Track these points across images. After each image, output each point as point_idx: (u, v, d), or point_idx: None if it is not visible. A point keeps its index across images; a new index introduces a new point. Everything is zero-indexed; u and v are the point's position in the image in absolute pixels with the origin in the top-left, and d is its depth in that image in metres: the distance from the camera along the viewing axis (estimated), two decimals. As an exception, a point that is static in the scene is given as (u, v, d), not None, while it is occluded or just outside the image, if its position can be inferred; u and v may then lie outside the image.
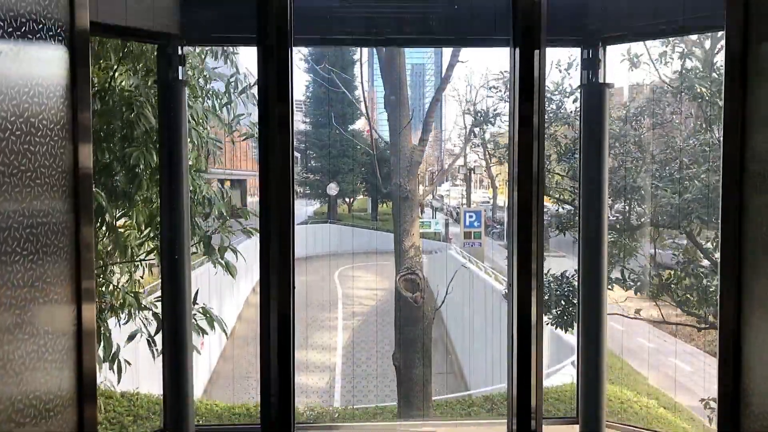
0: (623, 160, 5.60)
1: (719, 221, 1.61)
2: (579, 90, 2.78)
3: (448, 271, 21.05)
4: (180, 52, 2.66)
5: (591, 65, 2.70)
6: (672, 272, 6.09)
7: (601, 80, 2.71)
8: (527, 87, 2.25)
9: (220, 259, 3.84)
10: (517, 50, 2.29)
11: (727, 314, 1.56)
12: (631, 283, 6.17)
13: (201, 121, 3.70)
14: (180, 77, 2.65)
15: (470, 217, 23.26)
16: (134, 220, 3.63)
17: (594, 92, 2.71)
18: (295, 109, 2.31)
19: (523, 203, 2.21)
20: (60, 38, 1.38)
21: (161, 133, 2.76)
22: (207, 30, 2.70)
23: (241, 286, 19.99)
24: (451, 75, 7.65)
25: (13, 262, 1.21)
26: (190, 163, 3.88)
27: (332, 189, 31.16)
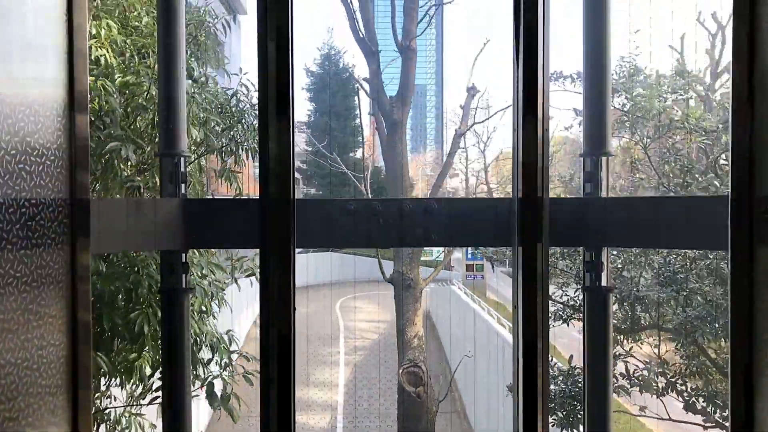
0: (626, 262, 5.59)
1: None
2: (582, 292, 2.78)
3: (451, 306, 20.88)
4: (183, 260, 2.67)
5: (594, 269, 2.70)
6: (677, 370, 6.04)
7: (604, 283, 2.71)
8: (530, 280, 2.23)
9: (222, 407, 3.84)
10: (520, 249, 2.29)
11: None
12: (636, 381, 6.12)
13: (206, 274, 3.71)
14: (183, 285, 2.65)
15: (472, 250, 23.18)
16: (137, 374, 3.62)
17: (597, 296, 2.71)
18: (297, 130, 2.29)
19: (528, 225, 2.16)
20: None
21: (163, 337, 2.76)
22: (210, 239, 2.71)
23: (242, 319, 19.92)
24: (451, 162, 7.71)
25: (7, 284, 1.19)
26: (193, 308, 3.88)
27: (334, 217, 30.93)
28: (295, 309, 2.38)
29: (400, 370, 6.16)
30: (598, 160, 2.70)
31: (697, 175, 5.20)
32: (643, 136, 5.33)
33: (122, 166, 3.33)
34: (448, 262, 29.96)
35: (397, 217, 2.63)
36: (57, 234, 1.36)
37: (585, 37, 2.76)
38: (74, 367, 1.43)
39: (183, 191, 2.66)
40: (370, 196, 8.50)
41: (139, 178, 3.41)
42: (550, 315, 6.86)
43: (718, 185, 5.26)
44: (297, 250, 2.31)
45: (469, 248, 23.66)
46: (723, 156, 5.20)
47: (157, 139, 3.69)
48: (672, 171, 5.20)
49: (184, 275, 2.66)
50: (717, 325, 4.96)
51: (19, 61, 1.25)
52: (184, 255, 2.66)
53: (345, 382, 20.28)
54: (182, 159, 2.66)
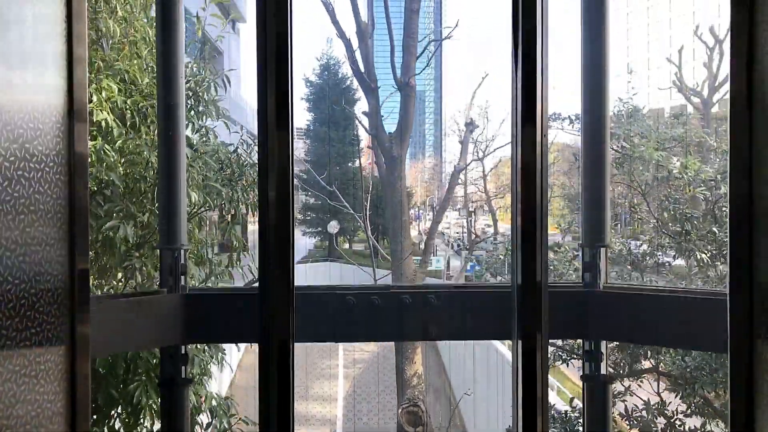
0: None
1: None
2: (582, 381, 2.79)
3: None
4: (183, 351, 2.67)
5: (593, 359, 2.71)
6: (675, 409, 6.03)
7: (603, 372, 2.71)
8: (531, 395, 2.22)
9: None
10: (519, 342, 2.27)
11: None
12: (635, 422, 6.11)
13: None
14: (183, 376, 2.66)
15: (470, 263, 23.05)
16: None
17: (597, 385, 2.71)
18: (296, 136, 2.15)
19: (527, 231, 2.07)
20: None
21: (162, 426, 2.76)
22: (210, 333, 2.72)
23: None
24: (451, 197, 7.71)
25: (5, 291, 1.19)
26: (193, 372, 3.88)
27: (333, 227, 31.06)
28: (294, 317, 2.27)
29: (400, 410, 6.14)
30: (596, 252, 2.71)
31: (696, 222, 5.21)
32: (642, 182, 5.34)
33: (121, 238, 3.33)
34: (447, 275, 29.82)
35: (397, 311, 2.64)
36: (55, 240, 1.36)
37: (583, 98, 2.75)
38: (72, 375, 1.41)
39: (183, 283, 2.67)
40: (370, 230, 8.52)
41: (137, 254, 3.41)
42: (549, 356, 6.84)
43: (717, 232, 5.26)
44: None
45: (471, 265, 23.54)
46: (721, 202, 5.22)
47: (156, 204, 3.70)
48: (671, 219, 5.20)
49: (183, 366, 2.66)
50: (717, 376, 4.95)
51: (19, 67, 1.25)
52: (183, 348, 2.67)
53: (344, 396, 20.18)
54: (182, 251, 2.66)
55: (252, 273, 4.75)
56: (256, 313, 2.36)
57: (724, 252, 5.12)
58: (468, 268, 23.51)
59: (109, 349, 2.44)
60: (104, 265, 3.81)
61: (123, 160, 3.68)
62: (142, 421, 3.51)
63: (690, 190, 5.05)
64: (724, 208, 5.42)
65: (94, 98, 3.62)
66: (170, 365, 2.66)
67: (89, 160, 1.49)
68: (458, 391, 19.14)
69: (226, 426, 3.94)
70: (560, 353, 6.50)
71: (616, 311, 2.67)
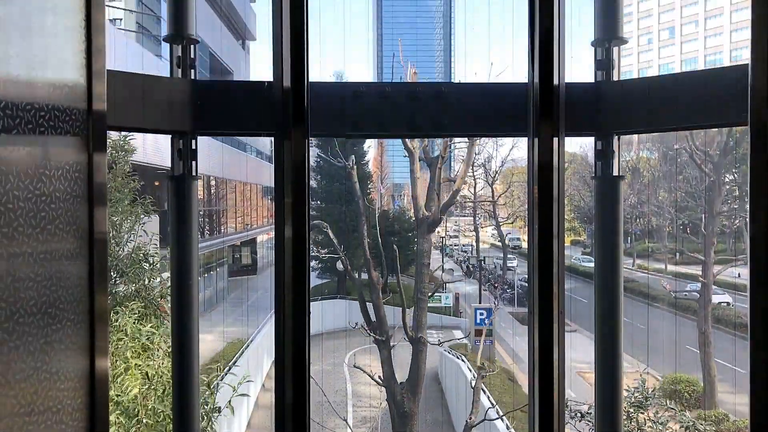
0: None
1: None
2: (593, 181, 2.72)
3: (457, 378, 19.07)
4: (193, 147, 2.68)
5: (604, 157, 2.60)
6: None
7: (615, 172, 2.63)
8: (546, 176, 2.07)
9: None
10: (536, 140, 2.12)
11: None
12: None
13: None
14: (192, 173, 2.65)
15: (481, 314, 22.05)
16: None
17: (607, 184, 2.62)
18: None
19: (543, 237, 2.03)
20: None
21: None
22: (219, 124, 2.71)
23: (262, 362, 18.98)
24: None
25: (27, 288, 1.19)
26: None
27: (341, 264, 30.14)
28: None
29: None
30: (609, 48, 2.56)
31: None
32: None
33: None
34: (456, 309, 28.35)
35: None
36: (74, 246, 1.36)
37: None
38: (91, 373, 1.40)
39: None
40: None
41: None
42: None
43: None
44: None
45: (479, 313, 22.37)
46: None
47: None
48: None
49: (193, 161, 2.63)
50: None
51: (41, 73, 1.27)
52: (193, 142, 2.67)
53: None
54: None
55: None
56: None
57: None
58: (478, 321, 22.15)
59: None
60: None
61: None
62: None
63: None
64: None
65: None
66: (179, 157, 2.66)
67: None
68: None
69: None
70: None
71: (630, 103, 2.52)
